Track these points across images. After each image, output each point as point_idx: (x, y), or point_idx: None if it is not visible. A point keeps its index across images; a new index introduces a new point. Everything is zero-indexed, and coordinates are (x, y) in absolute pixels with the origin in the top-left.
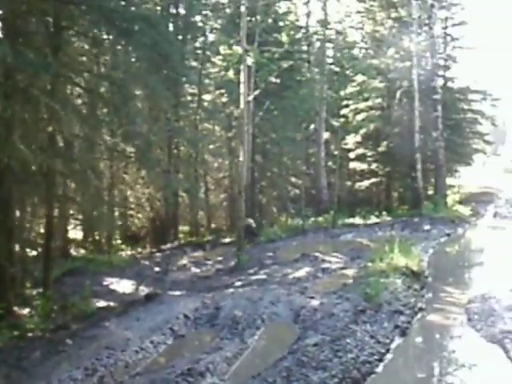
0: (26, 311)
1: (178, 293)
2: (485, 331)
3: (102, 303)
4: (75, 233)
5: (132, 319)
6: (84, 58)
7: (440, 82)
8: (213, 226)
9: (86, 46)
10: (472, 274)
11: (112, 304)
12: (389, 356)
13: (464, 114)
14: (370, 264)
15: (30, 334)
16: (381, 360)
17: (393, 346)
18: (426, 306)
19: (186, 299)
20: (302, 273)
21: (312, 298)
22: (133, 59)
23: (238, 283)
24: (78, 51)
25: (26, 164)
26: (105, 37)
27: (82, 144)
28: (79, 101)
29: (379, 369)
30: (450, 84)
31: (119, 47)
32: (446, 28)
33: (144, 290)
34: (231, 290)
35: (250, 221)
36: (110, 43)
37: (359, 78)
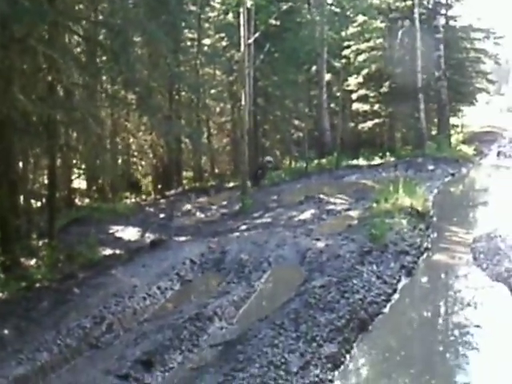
0: (32, 262)
1: (183, 238)
2: (490, 270)
3: (107, 251)
4: (79, 182)
5: (138, 266)
6: (81, 6)
7: (442, 20)
8: (216, 170)
9: None
10: (477, 214)
11: (118, 252)
12: (396, 296)
13: (467, 52)
14: (374, 205)
15: (37, 285)
16: (388, 300)
17: (399, 286)
18: (432, 245)
19: (192, 244)
20: (306, 215)
21: (317, 239)
22: (130, 5)
23: (243, 227)
24: None
25: (27, 114)
26: None
27: (82, 92)
28: (78, 49)
29: (386, 309)
30: (452, 23)
31: None
32: None
33: (149, 237)
34: (236, 233)
35: (270, 158)
36: None
37: (360, 18)
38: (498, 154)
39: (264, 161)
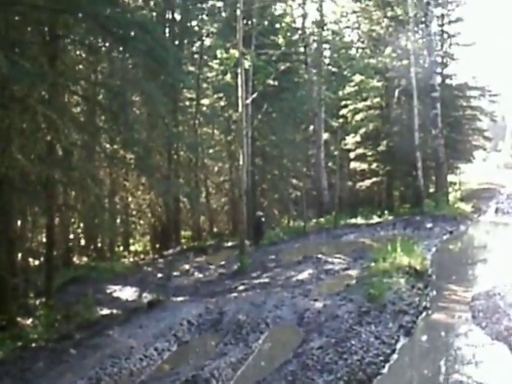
0: (29, 321)
1: (181, 298)
2: (490, 328)
3: (105, 311)
4: (78, 241)
5: (135, 327)
6: (81, 67)
7: (438, 79)
8: (215, 230)
9: (83, 55)
10: (476, 271)
11: (115, 312)
12: (394, 356)
13: (463, 110)
14: (372, 264)
15: (33, 345)
16: (386, 361)
17: (398, 346)
18: (431, 304)
19: (190, 305)
20: (305, 275)
21: (316, 300)
22: (130, 66)
23: (241, 287)
24: (75, 59)
25: (25, 174)
26: (101, 44)
27: (81, 152)
28: (78, 109)
29: (385, 369)
30: (448, 81)
31: (116, 54)
32: (442, 25)
33: (147, 297)
34: (234, 294)
35: (260, 213)
36: (106, 51)
37: (357, 77)
38: (496, 210)
39: (256, 217)
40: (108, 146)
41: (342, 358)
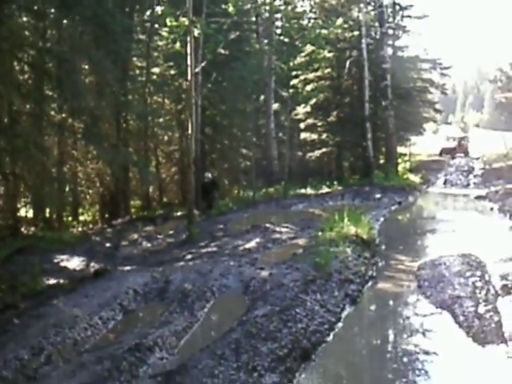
0: None
1: (128, 268)
2: (434, 297)
3: (51, 281)
4: (26, 211)
5: (81, 296)
6: (27, 33)
7: (389, 51)
8: (164, 199)
9: (31, 21)
10: (423, 242)
11: (62, 281)
12: (339, 325)
13: (414, 82)
14: (320, 233)
15: None
16: (331, 329)
17: (343, 314)
18: (377, 273)
19: (136, 274)
20: (252, 244)
21: (262, 268)
22: (78, 33)
23: (189, 256)
24: (21, 25)
25: None
26: (49, 11)
27: (27, 120)
28: (25, 77)
29: (330, 338)
30: (399, 53)
31: (65, 21)
32: None
33: (95, 267)
34: (181, 263)
35: (209, 175)
36: (54, 18)
37: (308, 48)
38: (445, 182)
39: (205, 178)
40: (55, 114)
41: (287, 326)
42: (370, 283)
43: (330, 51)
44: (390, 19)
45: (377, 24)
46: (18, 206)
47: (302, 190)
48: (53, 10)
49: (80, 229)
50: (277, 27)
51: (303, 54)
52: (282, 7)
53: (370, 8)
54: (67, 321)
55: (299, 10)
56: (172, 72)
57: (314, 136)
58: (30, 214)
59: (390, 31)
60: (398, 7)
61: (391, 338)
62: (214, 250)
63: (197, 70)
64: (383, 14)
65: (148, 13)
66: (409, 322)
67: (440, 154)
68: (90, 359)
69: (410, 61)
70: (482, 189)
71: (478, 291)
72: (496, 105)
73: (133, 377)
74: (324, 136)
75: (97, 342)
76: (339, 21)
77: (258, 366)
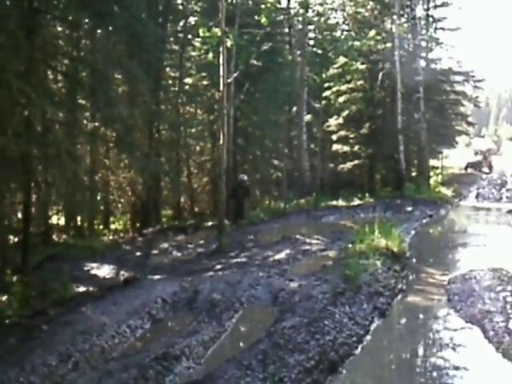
0: (4, 298)
1: (157, 277)
2: (464, 312)
3: (81, 288)
4: (58, 219)
5: (109, 304)
6: (61, 42)
7: (422, 63)
8: (196, 209)
9: (66, 31)
10: (454, 255)
11: (91, 289)
12: (368, 337)
13: (446, 95)
14: (350, 246)
15: (6, 321)
16: (359, 342)
17: (372, 327)
18: (407, 287)
19: (165, 283)
20: (282, 255)
21: (291, 280)
22: (112, 44)
23: (218, 266)
24: (55, 35)
25: (2, 150)
26: (83, 21)
27: (59, 129)
28: (58, 85)
29: (358, 351)
30: (432, 66)
31: (98, 31)
32: (427, 9)
33: (124, 275)
34: (211, 273)
35: (244, 177)
36: (88, 28)
37: (341, 59)
38: (477, 195)
39: (238, 181)
40: (88, 123)
41: (315, 338)
42: (399, 296)
43: (362, 63)
44: (423, 31)
45: (410, 36)
46: (50, 213)
47: (334, 202)
48: (87, 20)
49: (111, 237)
50: (310, 39)
51: (336, 66)
52: (315, 18)
53: (403, 20)
54: (95, 328)
55: (332, 21)
56: (204, 82)
57: (346, 148)
58: (62, 221)
59: (423, 43)
60: (431, 19)
61: (420, 351)
62: (244, 261)
63: (229, 80)
64: (416, 26)
65: (181, 23)
66: (438, 336)
67: (465, 169)
68: (116, 367)
69: (442, 73)
70: None
71: (508, 306)
72: None
73: None
74: (356, 148)
75: (124, 350)
76: (372, 33)
77: (285, 377)
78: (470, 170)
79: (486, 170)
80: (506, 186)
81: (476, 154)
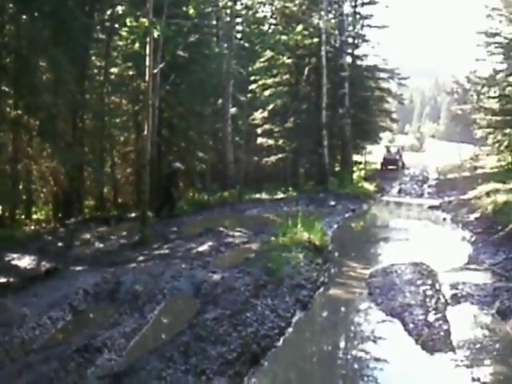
0: None
1: (79, 268)
2: (385, 305)
3: (1, 279)
4: None
5: (30, 295)
6: None
7: (348, 59)
8: (119, 200)
9: None
10: (376, 249)
11: (11, 280)
12: (290, 330)
13: (371, 91)
14: (273, 239)
15: None
16: (281, 334)
17: (294, 320)
18: (329, 280)
19: (87, 274)
20: (205, 247)
21: (214, 272)
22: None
23: (141, 258)
24: None
25: None
26: (8, 5)
27: None
28: None
29: (280, 343)
30: (358, 62)
31: (23, 17)
32: (355, 6)
33: (46, 266)
34: (133, 264)
35: (177, 164)
36: (13, 13)
37: (268, 53)
38: (400, 191)
39: (173, 168)
40: (11, 110)
41: (237, 330)
42: (321, 289)
43: (289, 57)
44: (350, 28)
45: (337, 32)
46: None
47: (257, 195)
48: (11, 5)
49: (32, 227)
50: (237, 31)
51: (262, 60)
52: (243, 12)
53: (330, 16)
54: (15, 320)
55: (260, 15)
56: (130, 72)
57: (271, 141)
58: None
59: (350, 40)
60: (358, 16)
61: (341, 344)
62: (167, 253)
63: (155, 71)
64: (343, 23)
65: (108, 12)
66: (359, 329)
67: (382, 166)
68: (37, 359)
69: (368, 70)
70: (436, 199)
71: (428, 300)
72: (452, 116)
73: (80, 377)
74: (280, 142)
75: (45, 341)
76: (299, 27)
77: (207, 369)
78: (388, 167)
79: (398, 167)
80: (427, 182)
81: (388, 151)
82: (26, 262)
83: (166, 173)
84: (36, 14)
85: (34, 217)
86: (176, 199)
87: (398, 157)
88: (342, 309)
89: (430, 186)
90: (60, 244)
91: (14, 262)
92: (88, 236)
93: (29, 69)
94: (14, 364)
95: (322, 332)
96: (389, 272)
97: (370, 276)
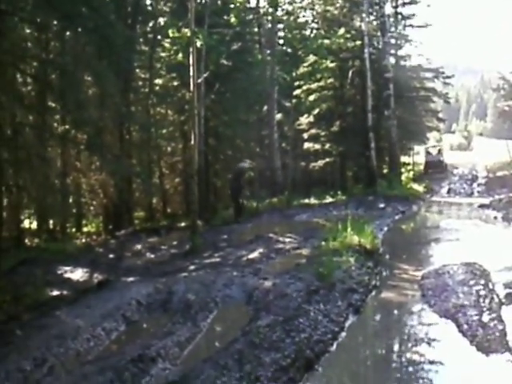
0: None
1: (131, 279)
2: (438, 306)
3: (55, 292)
4: (30, 222)
5: (84, 307)
6: (30, 45)
7: (392, 60)
8: (168, 210)
9: (35, 34)
10: (427, 251)
11: (65, 292)
12: (343, 334)
13: (416, 92)
14: (323, 243)
15: None
16: (335, 338)
17: (347, 324)
18: (381, 283)
19: (139, 285)
20: (255, 254)
21: (265, 279)
22: (81, 45)
23: (192, 267)
24: (23, 37)
25: None
26: (52, 23)
27: (30, 132)
28: (28, 88)
29: (333, 347)
30: (402, 62)
31: (67, 33)
32: (396, 7)
33: (98, 278)
34: (185, 274)
35: (245, 164)
36: (57, 30)
37: (311, 58)
38: (449, 191)
39: (238, 169)
40: (58, 125)
41: (290, 335)
42: (373, 293)
43: (332, 61)
44: (393, 29)
45: (379, 33)
46: (22, 217)
47: (306, 200)
48: (55, 22)
49: (83, 240)
50: (279, 37)
51: (306, 64)
52: (285, 17)
53: (372, 18)
54: (70, 332)
55: (301, 20)
56: (175, 83)
57: (318, 146)
58: (34, 225)
59: (393, 41)
60: (400, 16)
61: (395, 347)
62: (218, 261)
63: (199, 80)
64: (385, 24)
65: (150, 24)
66: (413, 332)
67: (425, 170)
68: (92, 370)
69: (412, 70)
70: (486, 197)
71: (481, 300)
72: (499, 113)
73: None
74: (327, 146)
75: (100, 352)
76: (341, 31)
77: (261, 376)
78: (433, 171)
79: (443, 168)
80: (476, 180)
81: (428, 153)
82: (78, 274)
83: (232, 175)
84: (80, 30)
85: (85, 229)
86: (243, 204)
87: (441, 158)
88: (395, 311)
89: (479, 185)
90: (111, 256)
91: (66, 275)
92: (139, 247)
93: (74, 84)
94: (70, 376)
95: (376, 335)
96: (441, 273)
97: (422, 278)
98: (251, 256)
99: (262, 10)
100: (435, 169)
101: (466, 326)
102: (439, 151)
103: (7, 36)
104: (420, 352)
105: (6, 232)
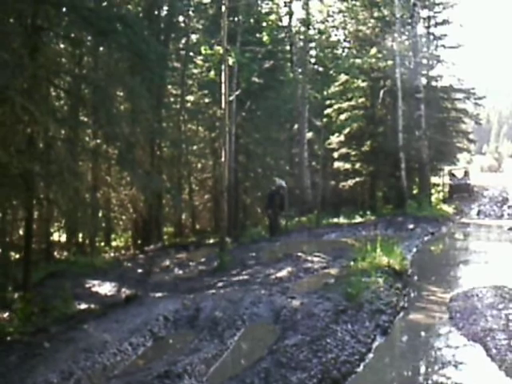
0: (5, 315)
1: (159, 294)
2: (466, 329)
3: (82, 305)
4: (59, 236)
5: (111, 321)
6: (64, 60)
7: (423, 80)
8: (197, 227)
9: (68, 48)
10: (456, 273)
11: (92, 306)
12: (370, 355)
13: (448, 112)
14: (352, 263)
15: (7, 338)
16: (362, 359)
17: (374, 345)
18: (409, 304)
19: (167, 301)
20: (284, 273)
21: (293, 298)
22: (114, 61)
23: (220, 284)
24: (58, 53)
25: (4, 166)
26: (85, 39)
27: (62, 146)
28: (62, 102)
29: (360, 368)
30: (433, 83)
31: (101, 49)
32: (428, 27)
33: (126, 292)
34: (212, 290)
35: (281, 182)
36: (91, 45)
37: (342, 77)
38: (478, 212)
39: (276, 187)
40: (90, 140)
41: (317, 355)
42: (401, 314)
43: (363, 80)
44: (424, 49)
45: (411, 54)
46: (51, 230)
47: (335, 220)
48: (89, 38)
49: (112, 254)
50: (311, 56)
51: (337, 84)
52: (317, 36)
53: (404, 38)
54: (97, 346)
55: (333, 39)
56: (206, 100)
57: (348, 165)
58: (63, 238)
59: (424, 61)
60: (432, 37)
61: (422, 369)
62: (246, 279)
63: (231, 98)
64: (417, 44)
65: (183, 41)
66: (440, 354)
67: (450, 195)
68: None
69: (443, 91)
70: None
71: (511, 324)
72: None
73: None
74: (357, 165)
75: (126, 367)
76: (373, 50)
77: None
78: (458, 195)
79: (470, 192)
80: (507, 203)
81: (453, 176)
82: (106, 288)
83: (268, 193)
84: (113, 46)
85: (114, 244)
86: (277, 222)
87: (467, 181)
88: (423, 333)
89: (509, 207)
90: (140, 270)
91: (94, 289)
92: (167, 262)
93: (107, 99)
94: None
95: (403, 357)
96: (470, 296)
97: (451, 300)
98: (279, 274)
99: (294, 29)
100: (461, 193)
101: (494, 351)
102: (465, 173)
103: (42, 51)
104: (447, 375)
105: (36, 245)
